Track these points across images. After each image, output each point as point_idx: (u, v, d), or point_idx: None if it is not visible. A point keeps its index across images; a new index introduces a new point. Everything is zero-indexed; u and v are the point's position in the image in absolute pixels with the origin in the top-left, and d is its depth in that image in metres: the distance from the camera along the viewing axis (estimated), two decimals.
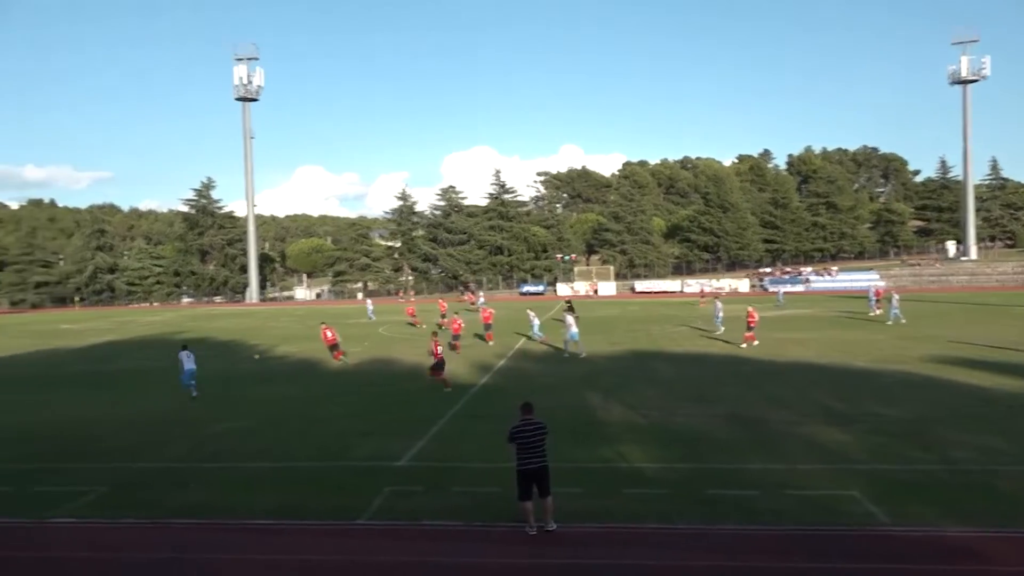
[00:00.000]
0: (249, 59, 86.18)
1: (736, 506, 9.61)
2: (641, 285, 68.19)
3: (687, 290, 63.77)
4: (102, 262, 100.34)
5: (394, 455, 12.25)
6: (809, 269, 68.40)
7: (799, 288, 60.24)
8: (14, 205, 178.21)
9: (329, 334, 23.42)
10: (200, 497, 10.52)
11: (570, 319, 23.50)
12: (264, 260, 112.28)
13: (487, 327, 27.51)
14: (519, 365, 21.62)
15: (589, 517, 9.46)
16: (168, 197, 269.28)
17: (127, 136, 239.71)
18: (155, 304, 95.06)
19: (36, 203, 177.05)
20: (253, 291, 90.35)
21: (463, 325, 26.36)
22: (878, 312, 33.04)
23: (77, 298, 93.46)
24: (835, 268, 68.11)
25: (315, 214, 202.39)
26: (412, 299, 50.97)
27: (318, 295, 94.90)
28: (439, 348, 18.19)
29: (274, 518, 9.67)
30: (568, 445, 12.21)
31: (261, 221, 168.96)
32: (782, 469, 10.95)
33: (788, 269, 70.53)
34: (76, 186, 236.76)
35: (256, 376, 21.45)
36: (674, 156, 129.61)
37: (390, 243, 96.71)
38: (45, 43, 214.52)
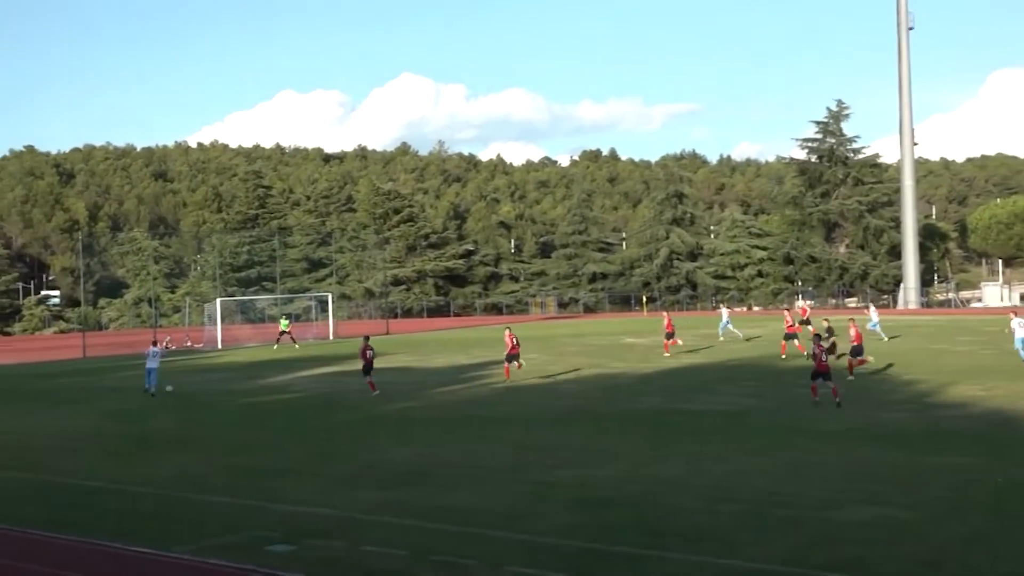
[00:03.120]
0: None
1: None
2: None
3: None
4: (679, 242, 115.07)
5: None
6: None
7: None
8: (564, 159, 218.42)
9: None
10: None
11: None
12: (930, 237, 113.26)
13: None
14: None
15: None
16: (775, 138, 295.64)
17: (720, 49, 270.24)
18: (755, 308, 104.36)
19: (592, 156, 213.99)
20: (910, 290, 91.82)
21: None
22: None
23: (645, 297, 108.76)
24: None
25: None
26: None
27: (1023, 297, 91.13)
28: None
29: None
30: None
31: (925, 170, 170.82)
32: None
33: None
34: (645, 127, 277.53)
35: (915, 433, 22.51)
36: None
37: None
38: None
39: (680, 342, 45.10)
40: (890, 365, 36.53)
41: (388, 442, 23.92)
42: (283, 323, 64.47)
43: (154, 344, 39.37)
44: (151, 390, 36.27)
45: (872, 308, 55.61)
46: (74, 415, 31.65)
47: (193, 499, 18.48)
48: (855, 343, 34.15)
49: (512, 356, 36.86)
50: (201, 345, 68.52)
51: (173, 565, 14.24)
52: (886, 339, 48.09)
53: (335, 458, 22.08)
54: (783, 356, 40.65)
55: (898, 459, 19.60)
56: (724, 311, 54.55)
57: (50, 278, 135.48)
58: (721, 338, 51.32)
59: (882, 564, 13.03)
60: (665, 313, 53.01)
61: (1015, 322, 34.12)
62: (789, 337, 41.23)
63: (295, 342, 61.24)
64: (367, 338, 33.05)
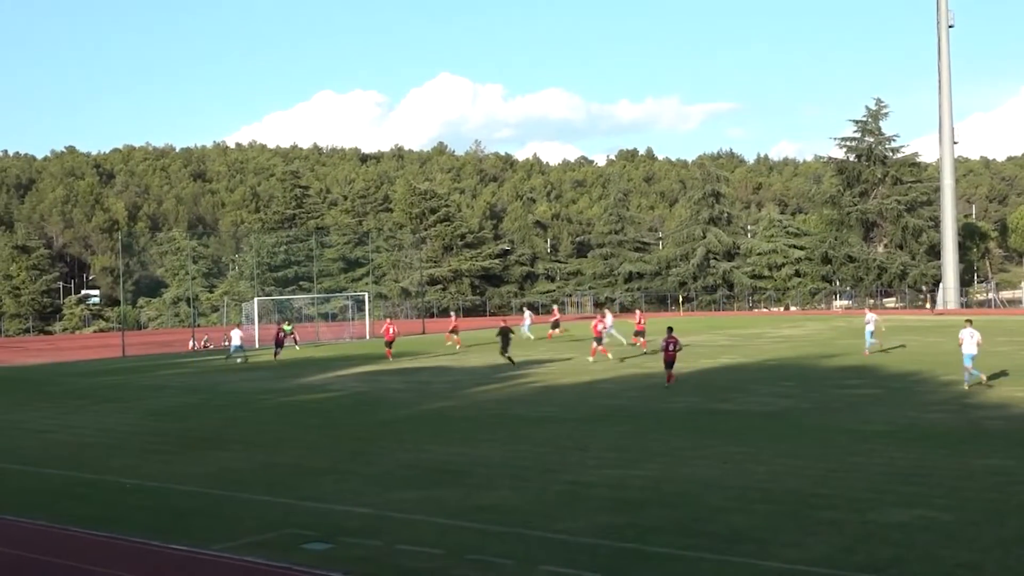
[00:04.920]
0: None
1: None
2: None
3: None
4: (715, 242, 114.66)
5: None
6: None
7: None
8: (600, 159, 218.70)
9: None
10: None
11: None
12: (970, 236, 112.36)
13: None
14: None
15: None
16: (813, 137, 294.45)
17: (758, 48, 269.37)
18: (792, 308, 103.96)
19: (628, 155, 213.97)
20: (949, 290, 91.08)
21: None
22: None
23: (681, 296, 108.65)
24: None
25: None
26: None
27: None
28: None
29: None
30: None
31: (965, 169, 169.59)
32: None
33: None
34: (683, 127, 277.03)
35: (956, 434, 22.42)
36: None
37: None
38: None
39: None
40: (913, 368, 36.30)
41: (425, 441, 24.00)
42: (286, 327, 64.12)
43: (237, 326, 56.36)
44: (239, 360, 50.91)
45: (607, 313, 53.12)
46: (114, 413, 31.99)
47: (231, 497, 18.64)
48: (596, 333, 44.21)
49: (389, 343, 49.48)
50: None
51: (211, 562, 14.37)
52: (625, 343, 49.32)
53: (372, 457, 22.18)
54: (634, 344, 47.90)
55: (938, 460, 19.50)
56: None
57: (90, 277, 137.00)
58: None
59: (922, 566, 12.96)
60: (640, 313, 53.68)
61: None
62: (638, 334, 48.23)
63: (296, 344, 60.56)
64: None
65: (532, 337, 58.26)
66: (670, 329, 33.54)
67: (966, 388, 29.63)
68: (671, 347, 32.62)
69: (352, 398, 34.01)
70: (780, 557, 13.51)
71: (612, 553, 14.05)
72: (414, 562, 13.90)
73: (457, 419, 27.74)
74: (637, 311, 55.98)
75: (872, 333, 42.31)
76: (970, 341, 30.58)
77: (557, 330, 59.89)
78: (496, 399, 32.00)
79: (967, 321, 32.51)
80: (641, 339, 47.55)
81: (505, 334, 43.13)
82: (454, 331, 57.90)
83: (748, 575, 12.93)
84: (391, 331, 49.93)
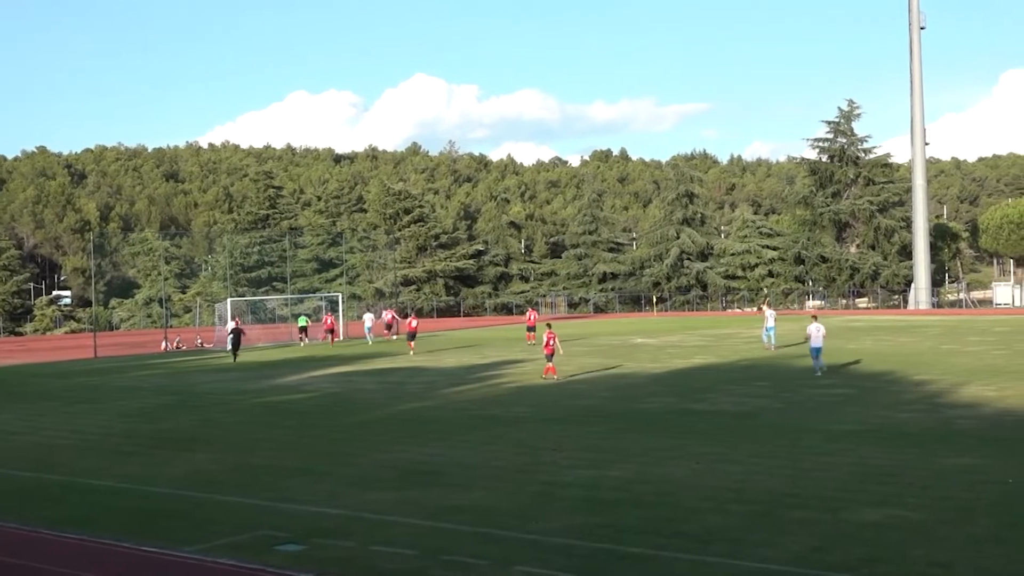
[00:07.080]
0: None
1: None
2: None
3: None
4: (689, 242, 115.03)
5: None
6: None
7: None
8: (575, 159, 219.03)
9: None
10: None
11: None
12: (942, 237, 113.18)
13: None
14: None
15: None
16: (786, 138, 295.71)
17: (732, 49, 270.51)
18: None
19: (602, 156, 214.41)
20: (921, 290, 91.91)
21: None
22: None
23: (655, 297, 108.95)
24: None
25: None
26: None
27: None
28: None
29: None
30: None
31: (937, 170, 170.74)
32: None
33: None
34: (657, 127, 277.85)
35: (927, 433, 22.49)
36: None
37: None
38: None
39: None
40: (886, 367, 36.57)
41: (399, 442, 23.95)
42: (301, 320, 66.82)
43: (233, 319, 59.03)
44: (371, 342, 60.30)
45: (368, 315, 67.45)
46: (86, 415, 31.74)
47: (204, 499, 18.54)
48: (410, 330, 52.98)
49: (329, 330, 62.29)
50: (212, 345, 68.68)
51: (183, 565, 14.29)
52: (370, 343, 60.81)
53: (346, 458, 22.13)
54: (531, 343, 52.32)
55: (910, 460, 19.58)
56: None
57: (61, 278, 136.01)
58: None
59: (894, 565, 13.02)
60: (531, 310, 65.43)
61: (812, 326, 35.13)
62: (530, 329, 54.06)
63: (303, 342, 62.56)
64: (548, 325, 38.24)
65: (371, 341, 62.97)
66: (549, 325, 37.68)
67: (818, 375, 33.69)
68: (551, 342, 35.92)
69: (326, 399, 33.91)
70: (754, 557, 13.55)
71: (587, 553, 14.05)
72: (388, 563, 13.86)
73: (432, 420, 27.71)
74: (530, 309, 68.57)
75: (772, 329, 46.11)
76: (817, 335, 34.22)
77: (389, 332, 68.05)
78: (471, 400, 31.99)
79: (813, 316, 36.74)
80: (531, 333, 53.41)
81: (236, 335, 51.95)
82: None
83: (722, 575, 12.98)
84: (329, 321, 64.39)
